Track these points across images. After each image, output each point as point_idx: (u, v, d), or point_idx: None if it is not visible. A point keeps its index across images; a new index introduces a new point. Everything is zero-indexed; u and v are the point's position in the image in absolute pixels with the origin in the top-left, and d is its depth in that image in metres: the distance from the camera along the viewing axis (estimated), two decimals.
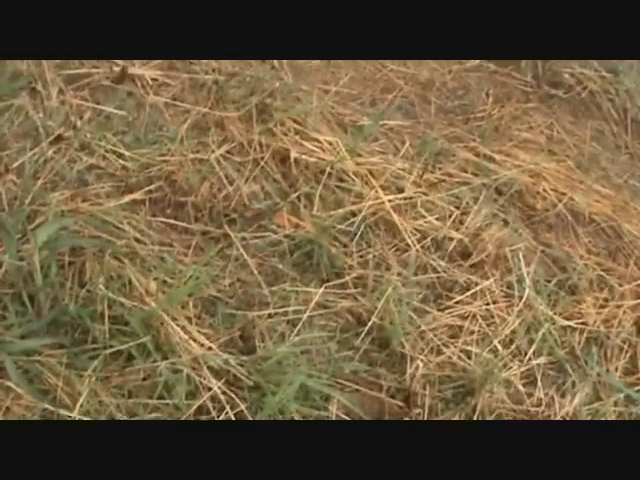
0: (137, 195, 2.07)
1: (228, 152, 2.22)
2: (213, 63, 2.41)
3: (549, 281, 2.31)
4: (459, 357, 2.05)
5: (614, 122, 3.03)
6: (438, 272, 2.20)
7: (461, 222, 2.32)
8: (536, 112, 2.88)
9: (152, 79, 2.33)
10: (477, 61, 2.89)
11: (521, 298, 2.21)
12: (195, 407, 1.75)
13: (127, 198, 2.05)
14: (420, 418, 1.91)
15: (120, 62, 2.30)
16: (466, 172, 2.47)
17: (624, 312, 2.32)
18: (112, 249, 1.91)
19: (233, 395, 1.78)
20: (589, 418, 2.08)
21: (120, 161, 2.12)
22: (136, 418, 1.72)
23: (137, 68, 2.33)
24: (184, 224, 2.07)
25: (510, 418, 2.00)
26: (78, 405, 1.68)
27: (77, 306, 1.82)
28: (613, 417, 2.10)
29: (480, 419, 1.95)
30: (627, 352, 2.25)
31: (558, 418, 2.05)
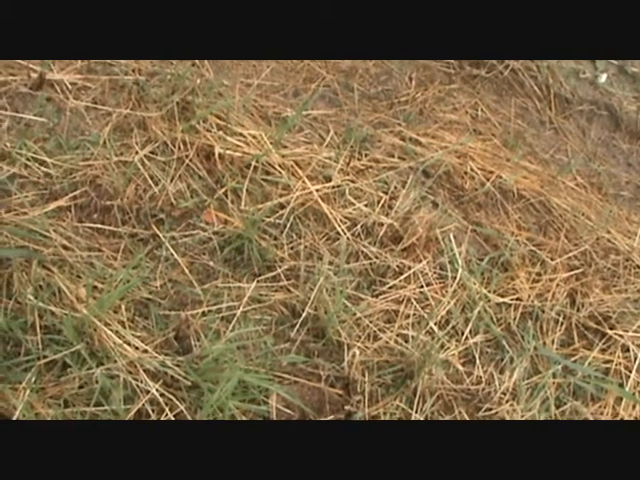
0: (62, 202, 2.04)
1: (152, 152, 2.20)
2: (133, 63, 2.39)
3: (481, 259, 2.33)
4: (396, 341, 2.06)
5: (537, 98, 3.07)
6: (370, 258, 2.20)
7: (390, 207, 2.33)
8: (460, 93, 2.91)
9: (71, 83, 2.30)
10: None
11: (454, 278, 2.24)
12: (134, 411, 1.74)
13: (52, 205, 2.02)
14: (361, 405, 1.92)
15: (37, 68, 2.26)
16: (393, 157, 2.49)
17: (557, 285, 2.35)
18: (39, 258, 1.88)
19: (171, 396, 1.78)
20: (529, 392, 2.11)
21: (43, 168, 2.09)
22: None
23: (55, 73, 2.30)
24: (111, 228, 2.04)
25: (451, 398, 2.01)
26: (14, 419, 1.66)
27: (7, 318, 1.79)
28: (552, 389, 2.13)
29: (421, 401, 1.97)
30: (562, 324, 2.28)
31: (499, 395, 2.07)
